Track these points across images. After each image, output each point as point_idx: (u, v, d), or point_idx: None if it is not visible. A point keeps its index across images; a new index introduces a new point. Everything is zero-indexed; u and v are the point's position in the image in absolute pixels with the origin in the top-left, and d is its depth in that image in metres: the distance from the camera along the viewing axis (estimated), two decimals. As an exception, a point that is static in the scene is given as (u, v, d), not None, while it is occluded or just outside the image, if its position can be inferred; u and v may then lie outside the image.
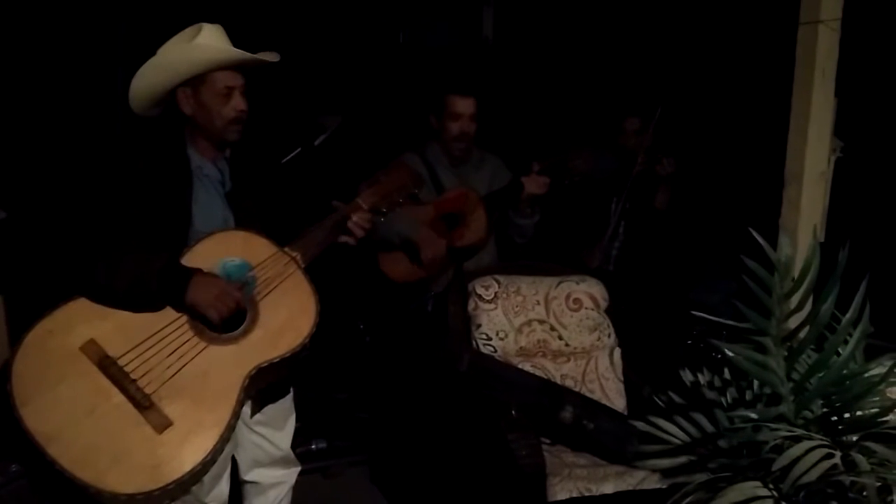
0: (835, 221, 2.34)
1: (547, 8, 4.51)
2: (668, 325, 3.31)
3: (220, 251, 2.04)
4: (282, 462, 2.43)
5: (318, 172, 3.12)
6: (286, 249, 2.12)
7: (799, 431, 1.20)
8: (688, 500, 1.25)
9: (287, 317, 2.05)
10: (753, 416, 1.27)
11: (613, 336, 2.99)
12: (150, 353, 1.93)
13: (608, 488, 2.37)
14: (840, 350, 1.27)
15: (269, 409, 2.30)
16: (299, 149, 3.25)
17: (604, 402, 2.78)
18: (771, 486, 1.19)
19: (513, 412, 2.52)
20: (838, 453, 1.14)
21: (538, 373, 2.81)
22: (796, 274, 1.32)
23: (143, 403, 1.88)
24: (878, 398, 1.27)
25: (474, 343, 2.85)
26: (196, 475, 1.89)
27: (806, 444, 1.15)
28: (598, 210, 3.58)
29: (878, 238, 2.99)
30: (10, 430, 1.84)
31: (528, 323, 2.92)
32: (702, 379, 1.43)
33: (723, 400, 1.38)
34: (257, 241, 2.10)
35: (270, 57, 2.18)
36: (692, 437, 1.35)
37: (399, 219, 2.87)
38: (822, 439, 1.18)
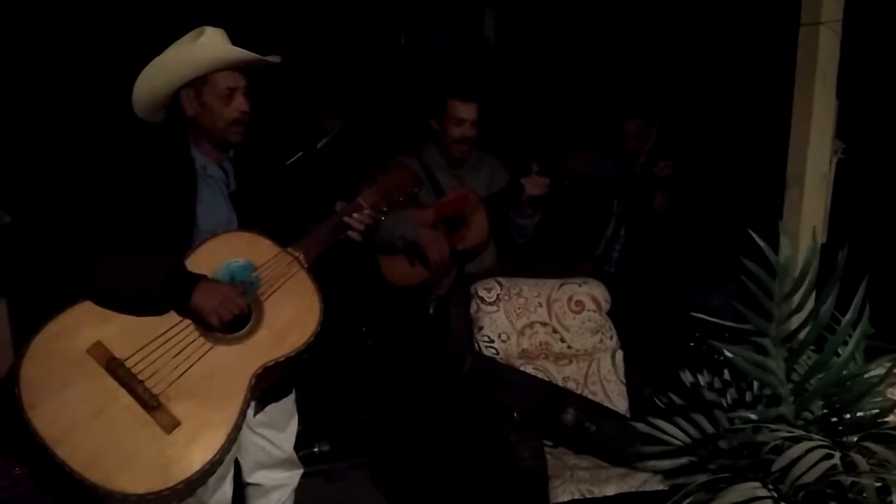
0: (836, 223, 2.34)
1: (548, 10, 4.52)
2: (669, 327, 3.31)
3: (225, 252, 2.06)
4: (284, 464, 2.43)
5: (320, 175, 3.13)
6: (289, 249, 2.14)
7: (798, 432, 1.20)
8: (688, 500, 1.25)
9: (292, 316, 2.07)
10: (753, 417, 1.27)
11: (615, 338, 3.00)
12: (157, 354, 1.95)
13: (610, 490, 2.37)
14: (840, 351, 1.27)
15: (271, 411, 2.30)
16: (301, 152, 3.26)
17: (606, 404, 2.78)
18: (770, 486, 1.19)
19: (515, 414, 2.53)
20: (838, 454, 1.14)
21: (540, 375, 2.81)
22: (797, 276, 1.32)
23: (150, 404, 1.89)
24: (877, 399, 1.28)
25: (476, 345, 2.86)
26: (205, 474, 1.90)
27: (805, 445, 1.15)
28: (598, 212, 3.59)
29: (878, 239, 2.99)
30: (14, 433, 1.85)
31: (531, 325, 2.92)
32: (702, 380, 1.43)
33: (723, 401, 1.39)
34: (261, 242, 2.12)
35: (272, 58, 2.19)
36: (692, 438, 1.35)
37: (400, 222, 2.87)
38: (821, 440, 1.18)
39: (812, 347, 1.30)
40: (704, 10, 3.87)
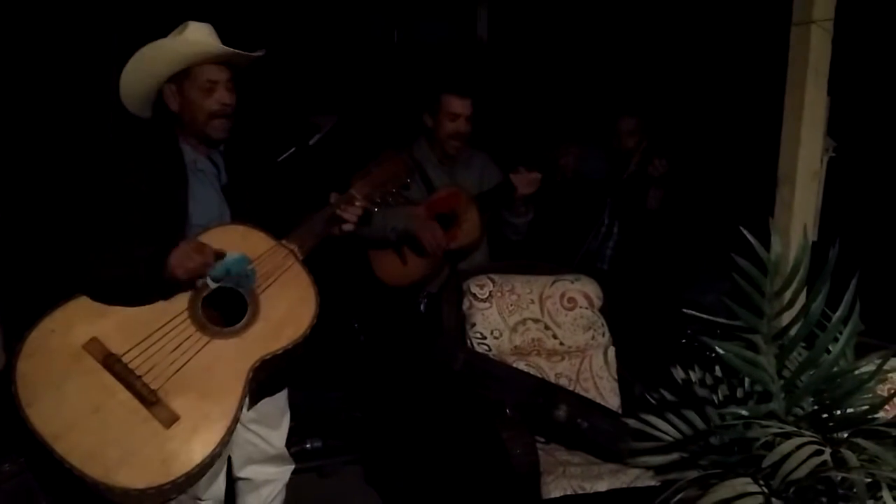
0: (827, 221, 2.34)
1: (541, 8, 4.52)
2: (661, 324, 3.32)
3: (218, 245, 2.05)
4: (275, 460, 2.43)
5: (312, 172, 3.13)
6: (283, 242, 2.14)
7: (789, 428, 1.20)
8: (679, 496, 1.25)
9: (288, 308, 2.07)
10: (744, 413, 1.27)
11: (608, 335, 3.01)
12: (154, 349, 1.95)
13: (602, 486, 2.38)
14: (830, 348, 1.28)
15: (264, 407, 2.30)
16: (294, 148, 3.25)
17: (598, 400, 2.80)
18: (761, 482, 1.19)
19: (507, 411, 2.53)
20: (828, 450, 1.14)
21: (533, 372, 2.82)
22: (787, 272, 1.32)
23: (149, 399, 1.89)
24: (867, 395, 1.28)
25: (469, 342, 2.86)
26: (205, 467, 1.90)
27: (796, 441, 1.15)
28: (590, 209, 3.59)
29: (868, 236, 3.00)
30: (5, 430, 1.85)
31: (523, 322, 2.93)
32: (693, 376, 1.44)
33: (714, 397, 1.39)
34: (255, 235, 2.12)
35: (254, 52, 2.18)
36: (684, 434, 1.35)
37: (391, 215, 2.87)
38: (812, 436, 1.18)
39: (803, 344, 1.30)
40: (697, 8, 3.88)
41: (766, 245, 1.32)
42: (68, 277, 1.99)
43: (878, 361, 1.28)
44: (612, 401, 2.88)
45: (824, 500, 1.18)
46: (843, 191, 2.48)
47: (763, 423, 1.23)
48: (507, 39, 4.66)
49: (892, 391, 1.40)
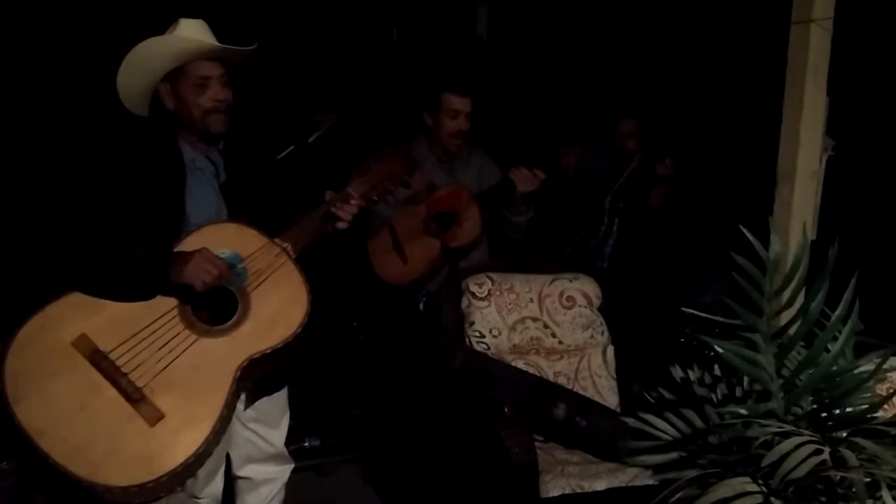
0: (827, 220, 2.34)
1: (541, 7, 4.51)
2: (660, 323, 3.32)
3: (211, 242, 2.04)
4: (275, 459, 2.43)
5: (312, 170, 3.12)
6: (277, 240, 2.12)
7: (788, 427, 1.20)
8: (678, 495, 1.25)
9: (279, 307, 2.05)
10: (743, 412, 1.27)
11: (607, 334, 3.00)
12: (141, 346, 1.94)
13: (601, 485, 2.38)
14: (829, 347, 1.28)
15: (263, 406, 2.29)
16: (293, 146, 3.24)
17: (596, 399, 2.79)
18: (760, 481, 1.19)
19: (506, 410, 2.53)
20: (827, 449, 1.15)
21: (531, 370, 2.82)
22: (787, 272, 1.32)
23: (134, 397, 1.88)
24: (866, 394, 1.28)
25: (467, 341, 2.86)
26: (190, 466, 1.89)
27: (795, 440, 1.15)
28: (590, 208, 3.59)
29: (868, 235, 3.00)
30: (1, 427, 1.84)
31: (522, 320, 2.93)
32: (692, 375, 1.44)
33: (713, 396, 1.39)
34: (248, 233, 2.10)
35: (244, 47, 2.17)
36: (682, 433, 1.36)
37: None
38: (811, 435, 1.18)
39: (802, 343, 1.30)
40: (697, 7, 3.88)
41: (765, 244, 1.32)
42: (65, 275, 1.98)
43: (878, 360, 1.28)
44: (611, 399, 2.88)
45: (823, 499, 1.18)
46: (842, 190, 2.48)
47: (762, 422, 1.23)
48: (507, 38, 4.66)
49: (892, 390, 1.41)
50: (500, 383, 2.65)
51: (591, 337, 2.97)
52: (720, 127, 3.70)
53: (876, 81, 3.15)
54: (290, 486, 2.52)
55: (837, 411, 1.27)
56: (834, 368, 1.26)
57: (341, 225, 2.21)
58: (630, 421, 1.39)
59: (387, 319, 3.18)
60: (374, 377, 3.36)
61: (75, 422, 1.84)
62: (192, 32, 2.11)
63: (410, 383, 3.03)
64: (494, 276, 2.96)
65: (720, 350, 1.29)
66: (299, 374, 2.45)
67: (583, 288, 3.02)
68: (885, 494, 1.13)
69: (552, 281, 3.01)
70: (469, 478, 2.71)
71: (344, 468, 3.41)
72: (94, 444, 1.82)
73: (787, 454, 1.13)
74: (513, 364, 2.80)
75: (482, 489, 2.62)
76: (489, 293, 2.92)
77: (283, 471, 2.47)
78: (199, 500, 2.30)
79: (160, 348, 1.95)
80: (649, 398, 1.46)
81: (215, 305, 2.05)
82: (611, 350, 2.98)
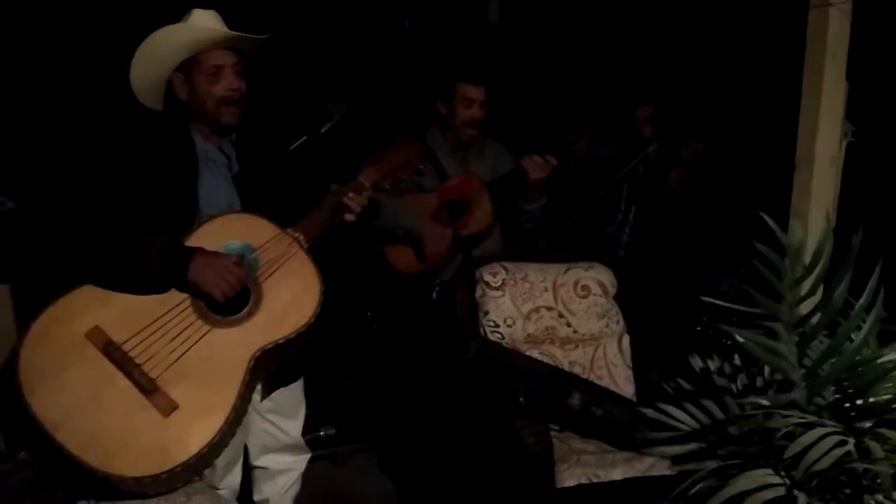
0: (846, 206, 2.31)
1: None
2: (677, 311, 3.30)
3: (222, 234, 2.05)
4: (292, 449, 2.44)
5: (324, 160, 3.11)
6: (288, 230, 2.12)
7: (811, 418, 1.18)
8: (698, 487, 1.24)
9: (291, 297, 2.05)
10: (765, 402, 1.25)
11: (622, 322, 2.98)
12: (154, 337, 1.94)
13: (617, 474, 2.37)
14: (853, 336, 1.25)
15: (279, 397, 2.30)
16: (305, 137, 3.24)
17: (612, 388, 2.78)
18: (783, 473, 1.17)
19: (521, 399, 2.51)
20: (852, 440, 1.12)
21: (546, 360, 2.81)
22: (807, 258, 1.30)
23: (147, 388, 1.89)
24: (891, 384, 1.26)
25: (482, 330, 2.85)
26: (204, 457, 1.89)
27: (819, 431, 1.13)
28: (607, 196, 3.57)
29: (891, 222, 2.96)
30: (18, 418, 1.85)
31: (536, 310, 2.91)
32: (711, 365, 1.41)
33: (733, 386, 1.36)
34: (259, 223, 2.10)
35: (257, 36, 2.16)
36: (702, 424, 1.33)
37: (405, 213, 2.87)
38: (834, 426, 1.16)
39: (824, 332, 1.28)
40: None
41: (783, 231, 1.29)
42: (78, 268, 1.98)
43: (902, 350, 1.26)
44: (627, 389, 2.87)
45: (848, 491, 1.16)
46: (862, 176, 2.44)
47: (784, 412, 1.21)
48: (519, 26, 4.62)
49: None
50: (514, 373, 2.64)
51: (607, 326, 2.96)
52: (738, 113, 3.66)
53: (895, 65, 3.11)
54: (306, 474, 2.53)
55: (861, 401, 1.24)
56: (857, 358, 1.24)
57: (350, 217, 2.20)
58: (648, 411, 1.37)
59: (401, 309, 3.17)
60: (388, 367, 3.35)
61: (89, 413, 1.85)
62: (205, 22, 2.10)
63: (425, 373, 3.03)
64: (508, 265, 2.95)
65: (741, 339, 1.27)
66: (314, 364, 2.44)
67: (598, 277, 3.00)
68: (911, 486, 1.11)
69: (567, 270, 2.99)
70: (484, 467, 2.70)
71: (359, 457, 3.43)
72: (107, 434, 1.83)
73: (811, 445, 1.11)
74: (527, 354, 2.79)
75: (497, 479, 2.61)
76: (503, 282, 2.90)
77: (300, 461, 2.48)
78: (219, 491, 2.30)
79: (173, 339, 1.95)
80: (668, 388, 1.44)
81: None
82: (626, 339, 2.96)
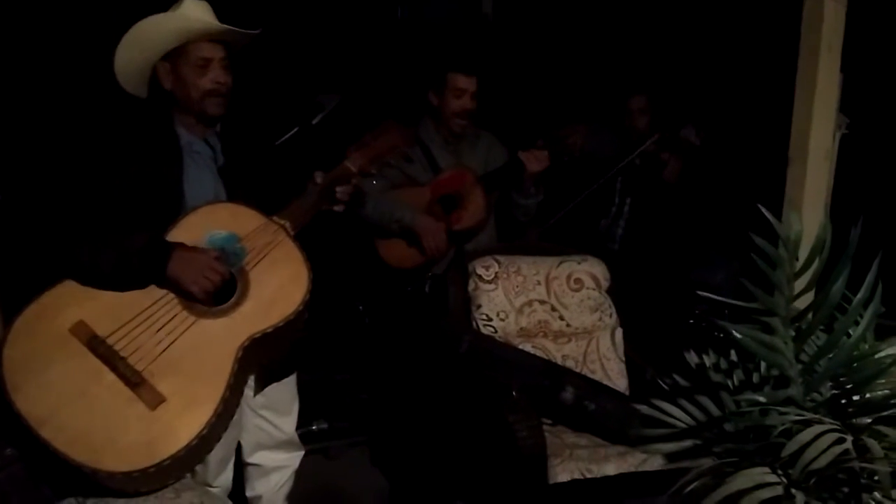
0: (840, 200, 2.30)
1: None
2: (670, 304, 3.29)
3: (207, 224, 2.01)
4: (285, 445, 2.42)
5: (315, 151, 3.08)
6: (274, 218, 2.09)
7: (808, 415, 1.16)
8: (693, 485, 1.22)
9: (278, 286, 2.02)
10: (761, 399, 1.23)
11: (615, 316, 2.97)
12: (139, 330, 1.91)
13: (610, 469, 2.35)
14: (850, 331, 1.24)
15: (273, 393, 2.27)
16: (297, 128, 3.21)
17: (605, 382, 2.76)
18: (780, 471, 1.16)
19: (513, 393, 2.50)
20: (849, 438, 1.11)
21: (539, 353, 2.79)
22: (802, 252, 1.28)
23: (133, 381, 1.85)
24: (889, 380, 1.24)
25: (474, 324, 2.83)
26: (193, 450, 1.86)
27: (816, 429, 1.11)
28: (597, 186, 3.55)
29: (888, 217, 2.95)
30: (3, 416, 1.82)
31: (529, 303, 2.89)
32: (707, 361, 1.40)
33: (729, 382, 1.35)
34: (244, 213, 2.07)
35: (248, 31, 2.13)
36: (697, 420, 1.32)
37: (399, 206, 2.84)
38: (832, 423, 1.14)
39: (822, 327, 1.26)
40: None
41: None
42: (59, 265, 1.95)
43: (900, 345, 1.24)
44: (620, 382, 2.85)
45: (846, 490, 1.15)
46: (857, 169, 2.43)
47: (781, 409, 1.19)
48: (513, 16, 4.59)
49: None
50: (507, 367, 2.62)
51: (600, 319, 2.94)
52: (733, 105, 3.65)
53: (891, 57, 3.09)
54: (298, 469, 2.51)
55: (858, 398, 1.23)
56: (855, 353, 1.23)
57: (338, 208, 2.18)
58: (643, 408, 1.36)
59: (393, 303, 3.15)
60: (380, 361, 3.34)
61: (75, 408, 1.81)
62: (196, 12, 2.07)
63: (417, 367, 3.01)
64: (501, 258, 2.93)
65: (737, 335, 1.25)
66: (306, 358, 2.42)
67: (591, 270, 2.98)
68: (910, 484, 1.09)
69: (560, 263, 2.97)
70: (476, 462, 2.69)
71: (351, 451, 3.41)
72: (94, 430, 1.80)
73: (808, 443, 1.09)
74: (520, 347, 2.77)
75: (490, 473, 2.60)
76: (496, 276, 2.88)
77: (294, 458, 2.46)
78: (212, 489, 2.28)
79: (158, 331, 1.92)
80: (662, 384, 1.42)
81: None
82: (619, 332, 2.95)
